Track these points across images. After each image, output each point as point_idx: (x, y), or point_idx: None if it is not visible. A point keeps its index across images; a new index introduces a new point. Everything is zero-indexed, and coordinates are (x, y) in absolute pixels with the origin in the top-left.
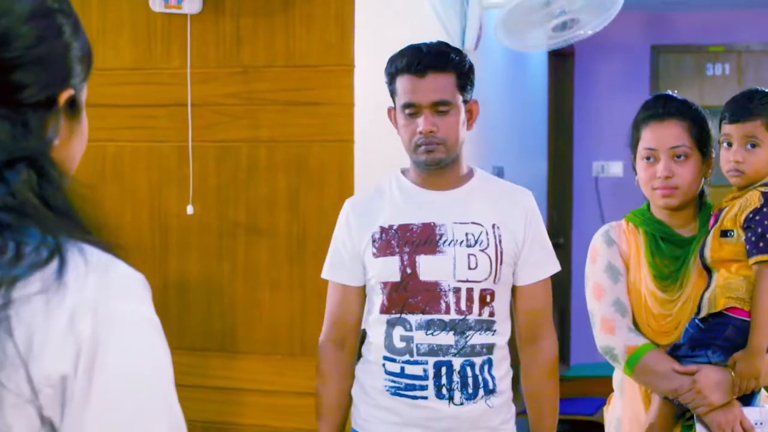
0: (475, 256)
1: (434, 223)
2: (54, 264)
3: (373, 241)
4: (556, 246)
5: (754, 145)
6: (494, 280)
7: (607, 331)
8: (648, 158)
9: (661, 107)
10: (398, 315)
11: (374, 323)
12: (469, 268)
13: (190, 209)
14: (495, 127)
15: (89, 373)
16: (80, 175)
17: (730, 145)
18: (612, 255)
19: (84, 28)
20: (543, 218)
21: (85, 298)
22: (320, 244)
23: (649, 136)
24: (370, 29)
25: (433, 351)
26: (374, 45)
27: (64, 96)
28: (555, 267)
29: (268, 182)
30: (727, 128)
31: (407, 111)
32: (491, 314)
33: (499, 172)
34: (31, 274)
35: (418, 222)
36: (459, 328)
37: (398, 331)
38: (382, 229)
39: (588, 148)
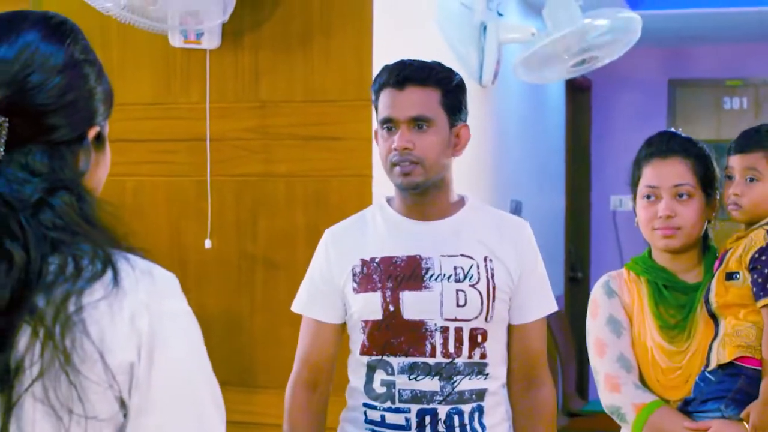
0: (464, 292)
1: (420, 256)
2: (109, 273)
3: (354, 275)
4: (574, 280)
5: (753, 179)
6: (486, 318)
7: (612, 389)
8: (649, 197)
9: (664, 144)
10: (379, 357)
11: (355, 365)
12: (458, 306)
13: (208, 243)
14: (513, 160)
15: (150, 359)
16: None
17: (731, 178)
18: (613, 307)
19: (104, 63)
20: (560, 252)
21: (140, 300)
22: None
23: (650, 174)
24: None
25: (416, 398)
26: None
27: (91, 133)
28: (551, 306)
29: (286, 217)
30: (730, 160)
31: (385, 126)
32: (483, 356)
33: (517, 206)
34: (92, 284)
35: (403, 255)
36: (445, 372)
37: (379, 375)
38: (363, 262)
39: (606, 182)
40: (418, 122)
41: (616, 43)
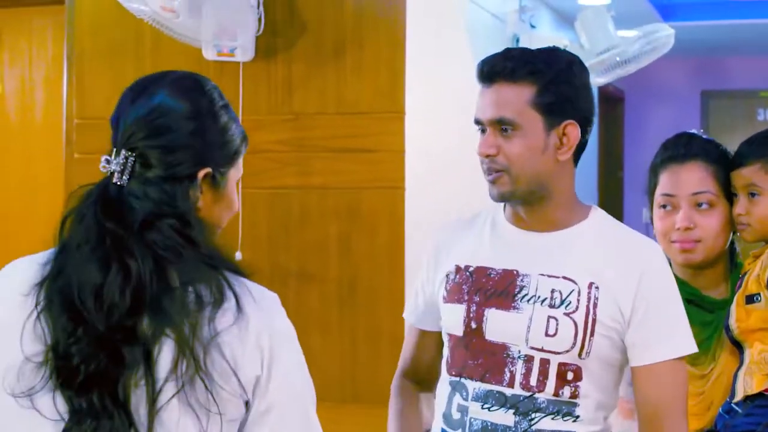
0: (556, 320)
1: (517, 272)
2: (232, 300)
3: (447, 282)
4: None
5: (755, 194)
6: (580, 354)
7: (626, 415)
8: (665, 206)
9: (682, 147)
10: (458, 378)
11: (441, 383)
12: (547, 335)
13: (239, 255)
14: None
15: (270, 370)
16: None
17: (736, 196)
18: None
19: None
20: None
21: (261, 322)
22: (371, 290)
23: (667, 181)
24: (421, 76)
25: (486, 430)
26: (425, 92)
27: (201, 174)
28: (681, 348)
29: (319, 228)
30: (732, 177)
31: (477, 127)
32: (573, 396)
33: None
34: (218, 310)
35: (499, 267)
36: (522, 407)
37: (456, 399)
38: (458, 269)
39: (638, 195)
40: (502, 125)
41: (650, 54)
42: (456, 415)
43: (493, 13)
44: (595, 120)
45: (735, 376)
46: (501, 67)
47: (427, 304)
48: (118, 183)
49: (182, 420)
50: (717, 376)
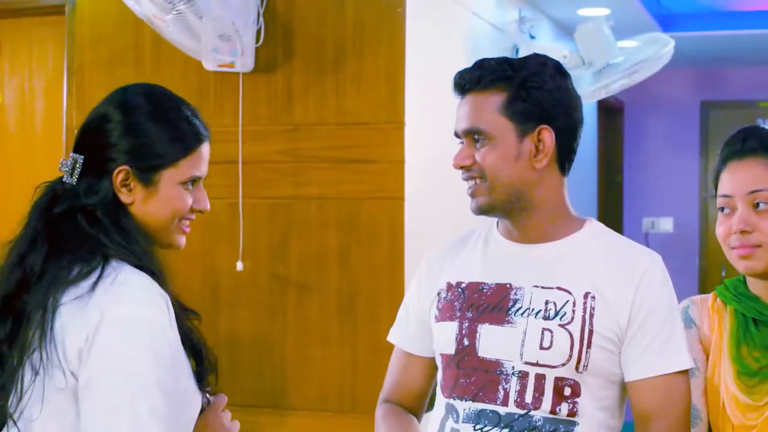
0: (551, 332)
1: (510, 285)
2: (92, 280)
3: (438, 301)
4: None
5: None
6: (577, 368)
7: None
8: (723, 209)
9: (739, 143)
10: (450, 399)
11: (437, 406)
12: (541, 348)
13: (239, 265)
14: None
15: (91, 345)
16: None
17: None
18: (690, 341)
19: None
20: None
21: (102, 302)
22: (371, 301)
23: (726, 180)
24: (421, 87)
25: None
26: (424, 103)
27: (116, 172)
28: (677, 363)
29: (318, 239)
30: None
31: (457, 141)
32: (572, 413)
33: None
34: (75, 286)
35: (492, 282)
36: (517, 426)
37: (449, 423)
38: (449, 287)
39: (638, 204)
40: (474, 135)
41: (650, 68)
42: None
43: (493, 24)
44: (585, 125)
45: None
46: (471, 77)
47: (418, 325)
48: (66, 181)
49: (25, 374)
50: None
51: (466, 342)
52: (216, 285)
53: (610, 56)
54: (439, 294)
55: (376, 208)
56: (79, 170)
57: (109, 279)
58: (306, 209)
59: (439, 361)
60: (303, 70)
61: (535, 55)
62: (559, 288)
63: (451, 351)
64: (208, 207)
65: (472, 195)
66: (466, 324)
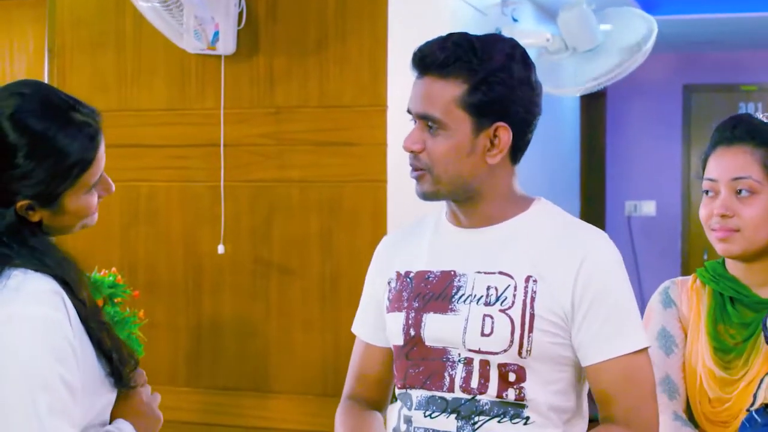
0: (492, 318)
1: (455, 272)
2: None
3: (389, 291)
4: None
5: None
6: (520, 353)
7: None
8: (707, 192)
9: (728, 130)
10: (404, 390)
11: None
12: (483, 334)
13: (221, 248)
14: (526, 167)
15: None
16: (115, 214)
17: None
18: (668, 319)
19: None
20: None
21: None
22: (353, 284)
23: (712, 165)
24: (403, 70)
25: None
26: (407, 85)
27: (19, 204)
28: (637, 341)
29: (300, 222)
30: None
31: (409, 118)
32: (520, 398)
33: None
34: None
35: (437, 270)
36: (464, 410)
37: (403, 411)
38: (399, 276)
39: (620, 187)
40: (428, 121)
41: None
42: (402, 427)
43: (475, 7)
44: (568, 110)
45: (760, 381)
46: (432, 59)
47: (375, 315)
48: None
49: None
50: (747, 383)
51: (412, 332)
52: (198, 268)
53: (594, 41)
54: (389, 283)
55: (358, 191)
56: None
57: (5, 282)
58: (288, 192)
59: (394, 352)
60: (285, 52)
61: (502, 43)
62: (501, 273)
63: (400, 342)
64: (113, 188)
65: (417, 180)
66: (413, 314)
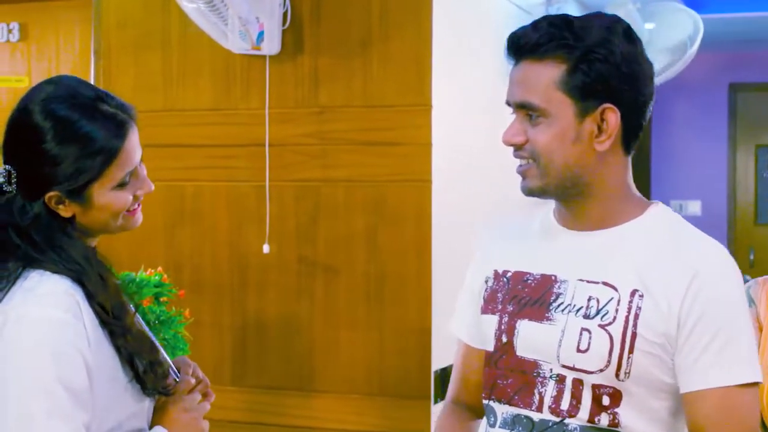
0: (589, 332)
1: (555, 277)
2: (5, 286)
3: (485, 290)
4: None
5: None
6: (617, 374)
7: None
8: None
9: None
10: (488, 401)
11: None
12: (578, 350)
13: (266, 248)
14: None
15: None
16: (160, 213)
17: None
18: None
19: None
20: None
21: (8, 305)
22: (398, 283)
23: None
24: (447, 69)
25: None
26: (451, 84)
27: (47, 197)
28: (743, 373)
29: (345, 221)
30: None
31: (509, 110)
32: (613, 424)
33: None
34: None
35: (537, 272)
36: None
37: (487, 427)
38: (496, 275)
39: (666, 187)
40: (528, 110)
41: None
42: None
43: (519, 6)
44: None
45: None
46: (526, 41)
47: (472, 313)
48: (6, 189)
49: None
50: None
51: (504, 339)
52: (243, 267)
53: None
54: (486, 281)
55: (402, 190)
56: (15, 179)
57: (18, 285)
58: (333, 192)
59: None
60: (329, 52)
61: (600, 18)
62: (604, 283)
63: (491, 348)
64: (152, 187)
65: (522, 175)
66: (506, 318)
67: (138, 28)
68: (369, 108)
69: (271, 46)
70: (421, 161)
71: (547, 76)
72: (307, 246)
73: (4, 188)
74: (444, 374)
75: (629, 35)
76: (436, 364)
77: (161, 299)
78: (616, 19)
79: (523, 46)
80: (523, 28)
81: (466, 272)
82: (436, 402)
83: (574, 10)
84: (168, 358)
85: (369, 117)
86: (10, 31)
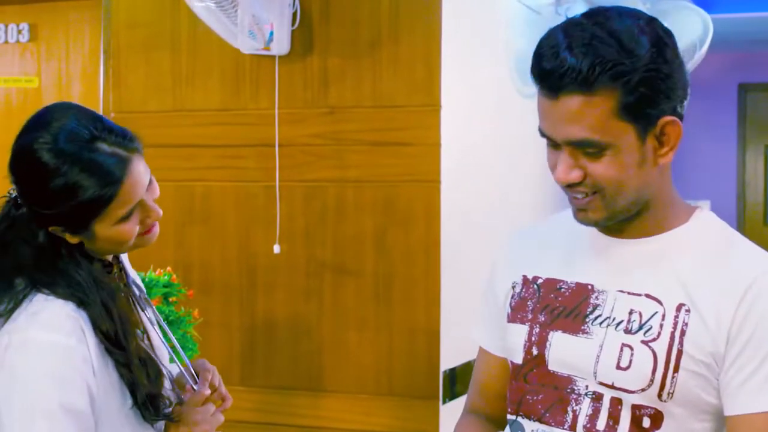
0: (631, 348)
1: (592, 287)
2: (10, 308)
3: (512, 296)
4: None
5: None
6: (660, 395)
7: None
8: None
9: None
10: (515, 417)
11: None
12: (618, 367)
13: (276, 248)
14: None
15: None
16: (169, 213)
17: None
18: None
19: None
20: None
21: (11, 327)
22: (407, 284)
23: None
24: (457, 69)
25: None
26: (461, 85)
27: (51, 228)
28: None
29: (355, 222)
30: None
31: (544, 138)
32: None
33: None
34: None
35: (571, 280)
36: None
37: None
38: (525, 281)
39: (675, 187)
40: (584, 147)
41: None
42: None
43: (529, 6)
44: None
45: None
46: (569, 75)
47: (494, 319)
48: (21, 203)
49: None
50: None
51: (535, 351)
52: (253, 268)
53: None
54: (513, 287)
55: (412, 191)
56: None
57: (23, 307)
58: (342, 192)
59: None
60: (339, 52)
61: (639, 28)
62: (648, 296)
63: (519, 360)
64: (160, 213)
65: (584, 209)
66: (537, 329)
67: (147, 29)
68: (378, 108)
69: (281, 46)
70: (430, 162)
71: (603, 108)
72: (316, 246)
73: (19, 201)
74: (453, 374)
75: (669, 37)
76: (445, 364)
77: (170, 299)
78: (654, 26)
79: (566, 78)
80: (556, 56)
81: (487, 276)
82: (444, 402)
83: (583, 10)
84: (180, 367)
85: (378, 117)
86: (20, 31)
